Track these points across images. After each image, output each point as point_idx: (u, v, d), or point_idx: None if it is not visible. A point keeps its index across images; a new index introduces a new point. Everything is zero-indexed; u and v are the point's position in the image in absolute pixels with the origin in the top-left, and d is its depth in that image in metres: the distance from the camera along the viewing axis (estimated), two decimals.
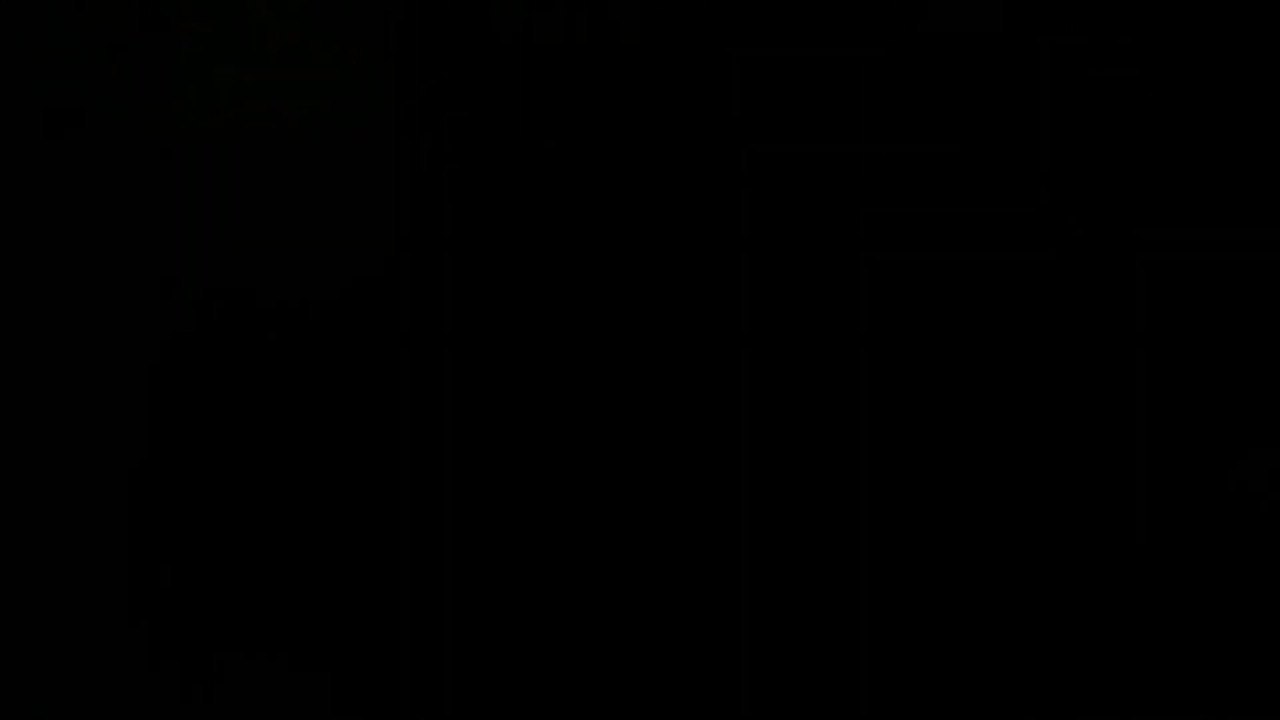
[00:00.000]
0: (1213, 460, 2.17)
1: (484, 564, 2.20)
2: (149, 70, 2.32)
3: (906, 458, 2.21)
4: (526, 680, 2.15)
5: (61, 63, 2.30)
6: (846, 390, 2.23)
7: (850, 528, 2.19)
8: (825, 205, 2.27)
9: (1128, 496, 2.18)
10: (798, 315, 2.25)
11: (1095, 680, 2.11)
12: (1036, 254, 2.24)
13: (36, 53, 2.29)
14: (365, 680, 2.17)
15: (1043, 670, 2.12)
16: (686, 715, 2.14)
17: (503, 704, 2.15)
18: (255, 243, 2.29)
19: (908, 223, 2.26)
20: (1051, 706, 2.10)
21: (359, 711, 2.15)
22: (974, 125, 2.26)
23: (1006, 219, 2.25)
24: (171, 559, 2.20)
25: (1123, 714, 2.09)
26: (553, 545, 2.20)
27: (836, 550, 2.19)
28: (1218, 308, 2.20)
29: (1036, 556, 2.16)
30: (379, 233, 2.30)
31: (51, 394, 2.27)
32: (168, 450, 2.24)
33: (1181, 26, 2.24)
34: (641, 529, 2.20)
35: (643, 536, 2.20)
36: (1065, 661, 2.12)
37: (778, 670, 2.15)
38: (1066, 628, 2.13)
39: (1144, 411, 2.20)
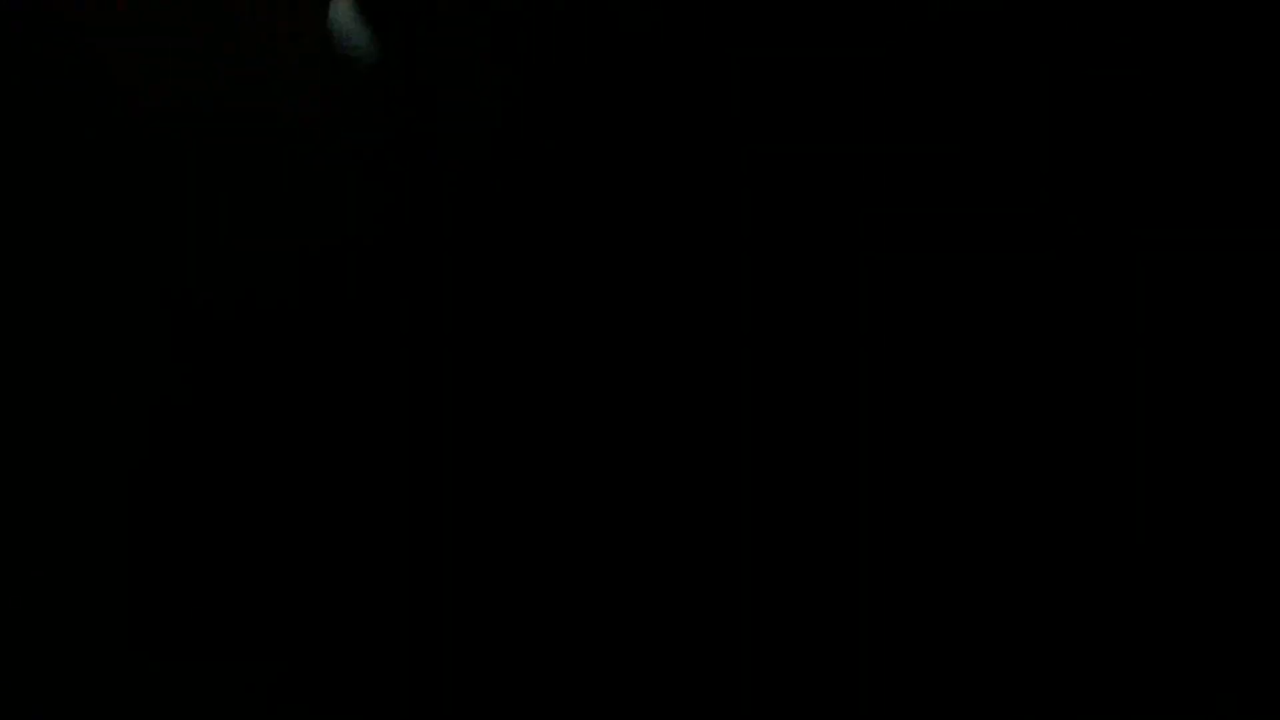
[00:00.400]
0: (1213, 460, 2.17)
1: (484, 566, 2.20)
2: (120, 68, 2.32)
3: (907, 457, 2.21)
4: (527, 681, 2.15)
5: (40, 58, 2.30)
6: (847, 390, 2.23)
7: (850, 527, 2.19)
8: (825, 205, 2.27)
9: (1128, 496, 2.18)
10: (798, 315, 2.25)
11: (1095, 680, 2.11)
12: (1036, 254, 2.24)
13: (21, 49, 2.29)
14: (365, 682, 2.17)
15: (1042, 670, 2.12)
16: (686, 715, 2.14)
17: (503, 704, 2.15)
18: (244, 241, 2.29)
19: (907, 223, 2.26)
20: (1051, 706, 2.10)
21: (359, 712, 2.15)
22: (974, 125, 2.27)
23: (1006, 219, 2.25)
24: (171, 560, 2.20)
25: (1122, 715, 2.09)
26: (551, 545, 2.21)
27: (837, 550, 2.19)
28: (1218, 308, 2.20)
29: (1036, 556, 2.16)
30: (374, 230, 2.30)
31: (42, 392, 2.27)
32: (157, 452, 2.24)
33: (1181, 26, 2.24)
34: (641, 529, 2.20)
35: (642, 536, 2.20)
36: (1064, 661, 2.12)
37: (778, 670, 2.15)
38: (1066, 628, 2.13)
39: (1144, 411, 2.20)
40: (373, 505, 2.22)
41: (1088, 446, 2.20)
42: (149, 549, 2.21)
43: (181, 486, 2.22)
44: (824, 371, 2.24)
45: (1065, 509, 2.18)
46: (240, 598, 2.19)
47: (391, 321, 2.27)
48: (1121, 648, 2.12)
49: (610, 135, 2.29)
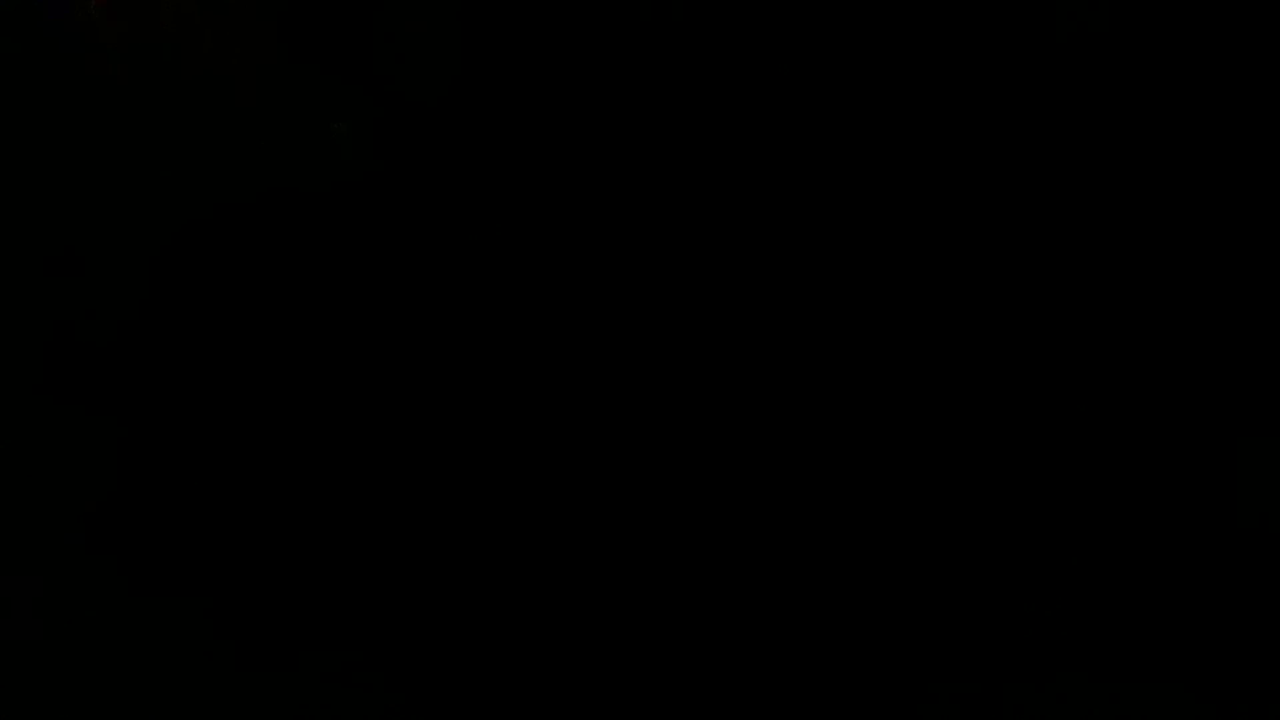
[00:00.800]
0: (1210, 455, 2.17)
1: (484, 570, 2.20)
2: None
3: (906, 456, 2.21)
4: (525, 678, 2.15)
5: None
6: (847, 389, 2.23)
7: (851, 526, 2.19)
8: (825, 205, 2.27)
9: (1128, 496, 2.18)
10: (798, 315, 2.25)
11: (1094, 677, 2.12)
12: (1037, 254, 2.24)
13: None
14: (362, 680, 2.16)
15: (1041, 667, 2.12)
16: (686, 715, 2.13)
17: (499, 705, 2.15)
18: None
19: (908, 222, 2.26)
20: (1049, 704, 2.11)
21: (355, 711, 2.15)
22: (974, 125, 2.26)
23: (1007, 218, 2.25)
24: (165, 559, 2.20)
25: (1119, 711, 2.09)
26: (548, 545, 2.20)
27: (837, 550, 2.19)
28: (1217, 306, 2.21)
29: (1036, 555, 2.16)
30: (377, 233, 2.30)
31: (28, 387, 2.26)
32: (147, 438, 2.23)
33: (1182, 26, 2.24)
34: (638, 530, 2.20)
35: (639, 537, 2.20)
36: (1064, 659, 2.12)
37: (777, 670, 2.15)
38: (1066, 625, 2.13)
39: (1144, 412, 2.20)
40: (370, 504, 2.22)
41: (1087, 445, 2.20)
42: (134, 546, 2.20)
43: (175, 485, 2.22)
44: (824, 370, 2.24)
45: (1064, 507, 2.18)
46: (231, 594, 2.18)
47: (392, 320, 2.26)
48: (1121, 645, 2.12)
49: (610, 133, 2.28)
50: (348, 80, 2.26)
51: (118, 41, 2.27)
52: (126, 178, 2.27)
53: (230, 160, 2.26)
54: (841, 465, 2.21)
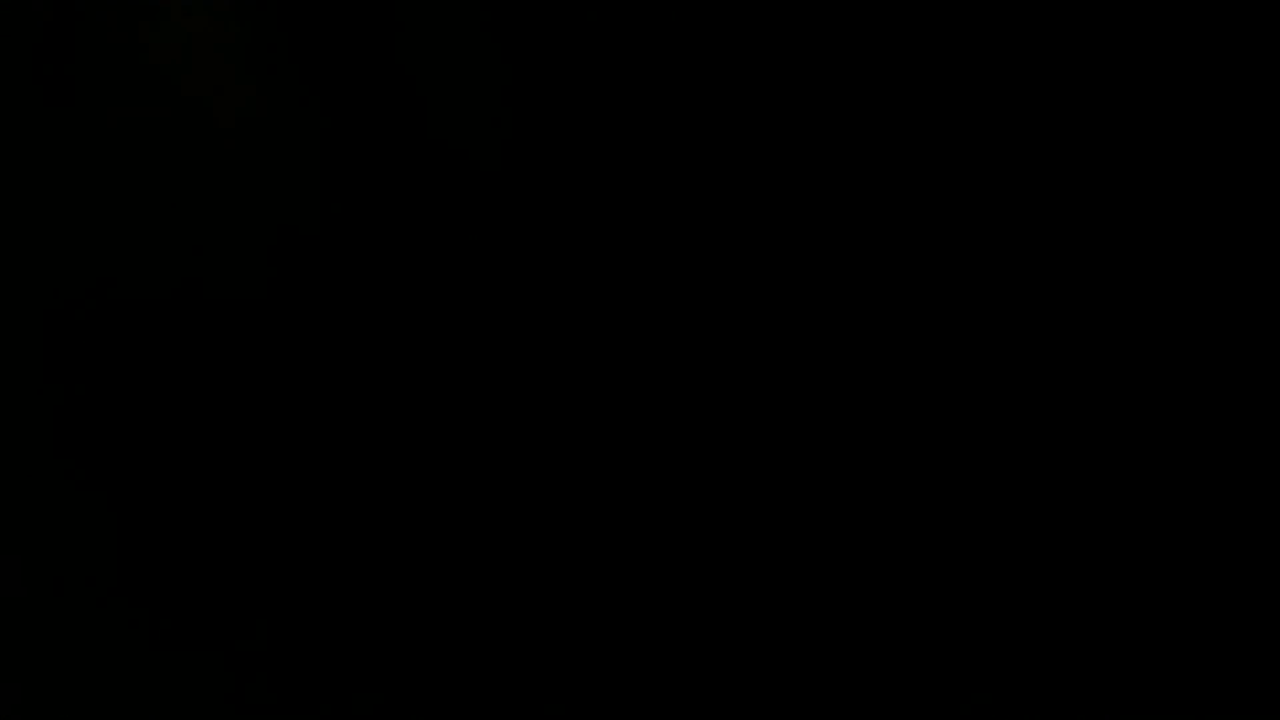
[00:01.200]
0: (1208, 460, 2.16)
1: (482, 572, 2.19)
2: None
3: (905, 457, 2.21)
4: (522, 680, 2.14)
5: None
6: (846, 390, 2.23)
7: (849, 527, 2.19)
8: (825, 205, 2.27)
9: (1127, 500, 2.17)
10: (798, 315, 2.25)
11: (1095, 676, 2.11)
12: (1036, 254, 2.24)
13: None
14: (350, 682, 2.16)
15: (1041, 666, 2.11)
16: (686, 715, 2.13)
17: (500, 704, 2.14)
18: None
19: (908, 222, 2.26)
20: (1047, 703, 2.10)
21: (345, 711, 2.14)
22: (974, 125, 2.27)
23: (1006, 218, 2.26)
24: (150, 565, 2.19)
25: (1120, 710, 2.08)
26: (541, 548, 2.20)
27: (836, 551, 2.18)
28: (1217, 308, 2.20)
29: (1037, 559, 2.16)
30: (374, 237, 2.30)
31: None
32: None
33: (1182, 27, 2.25)
34: (635, 533, 2.20)
35: (636, 540, 2.20)
36: (1063, 656, 2.11)
37: (777, 670, 2.14)
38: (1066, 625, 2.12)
39: (1142, 410, 2.20)
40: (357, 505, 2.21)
41: (1087, 452, 2.20)
42: (122, 554, 2.20)
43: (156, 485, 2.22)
44: (824, 370, 2.24)
45: (1064, 510, 2.18)
46: (212, 606, 2.17)
47: (392, 324, 2.27)
48: (1118, 648, 2.11)
49: (609, 133, 2.30)
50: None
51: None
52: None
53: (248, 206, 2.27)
54: (852, 465, 2.21)
